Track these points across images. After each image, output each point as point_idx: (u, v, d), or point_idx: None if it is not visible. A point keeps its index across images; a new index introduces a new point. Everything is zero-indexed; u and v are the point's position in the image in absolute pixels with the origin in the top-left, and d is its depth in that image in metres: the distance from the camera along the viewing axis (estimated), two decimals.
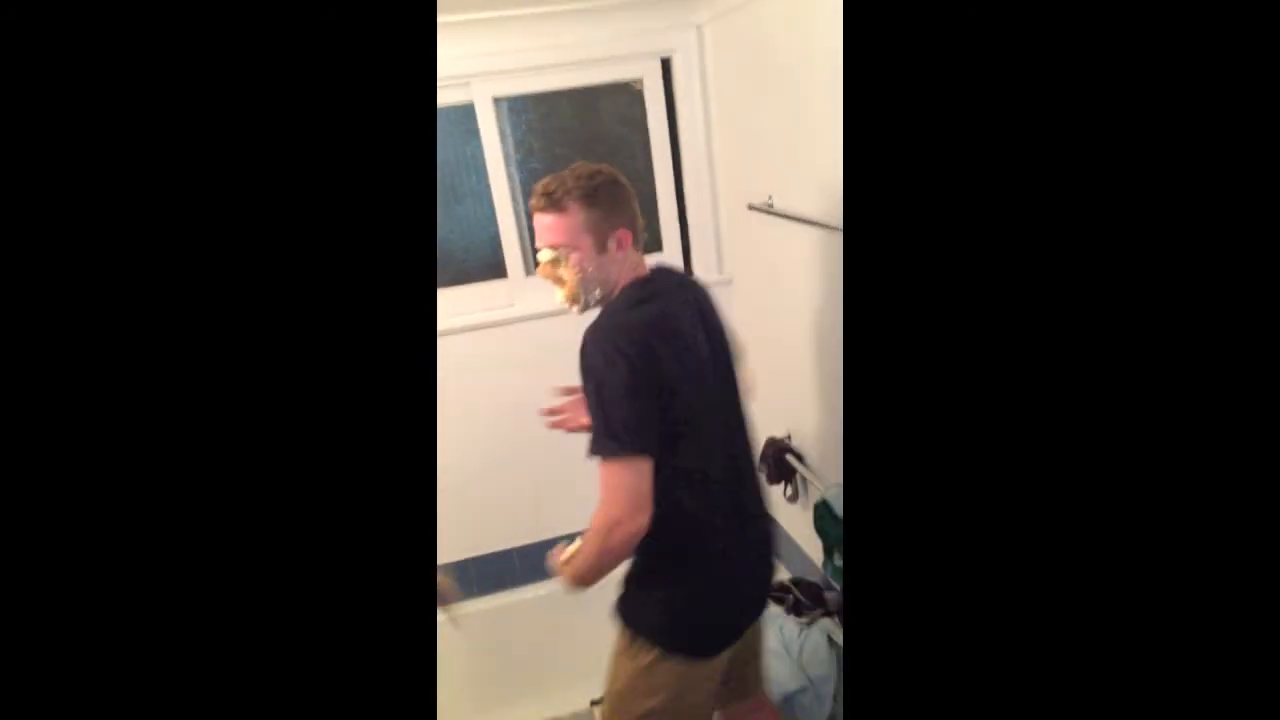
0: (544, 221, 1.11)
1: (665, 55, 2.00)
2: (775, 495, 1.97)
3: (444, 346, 2.02)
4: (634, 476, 1.04)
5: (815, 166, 1.48)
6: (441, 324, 2.01)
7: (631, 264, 1.16)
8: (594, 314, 1.15)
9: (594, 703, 1.78)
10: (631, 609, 1.20)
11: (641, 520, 1.05)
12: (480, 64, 1.88)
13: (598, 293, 1.15)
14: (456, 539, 2.17)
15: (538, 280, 2.10)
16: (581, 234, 1.10)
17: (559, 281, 1.14)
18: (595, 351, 1.05)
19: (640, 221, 1.17)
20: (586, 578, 1.12)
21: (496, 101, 1.95)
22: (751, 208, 1.76)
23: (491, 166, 1.98)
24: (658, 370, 1.05)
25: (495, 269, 2.09)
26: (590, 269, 1.12)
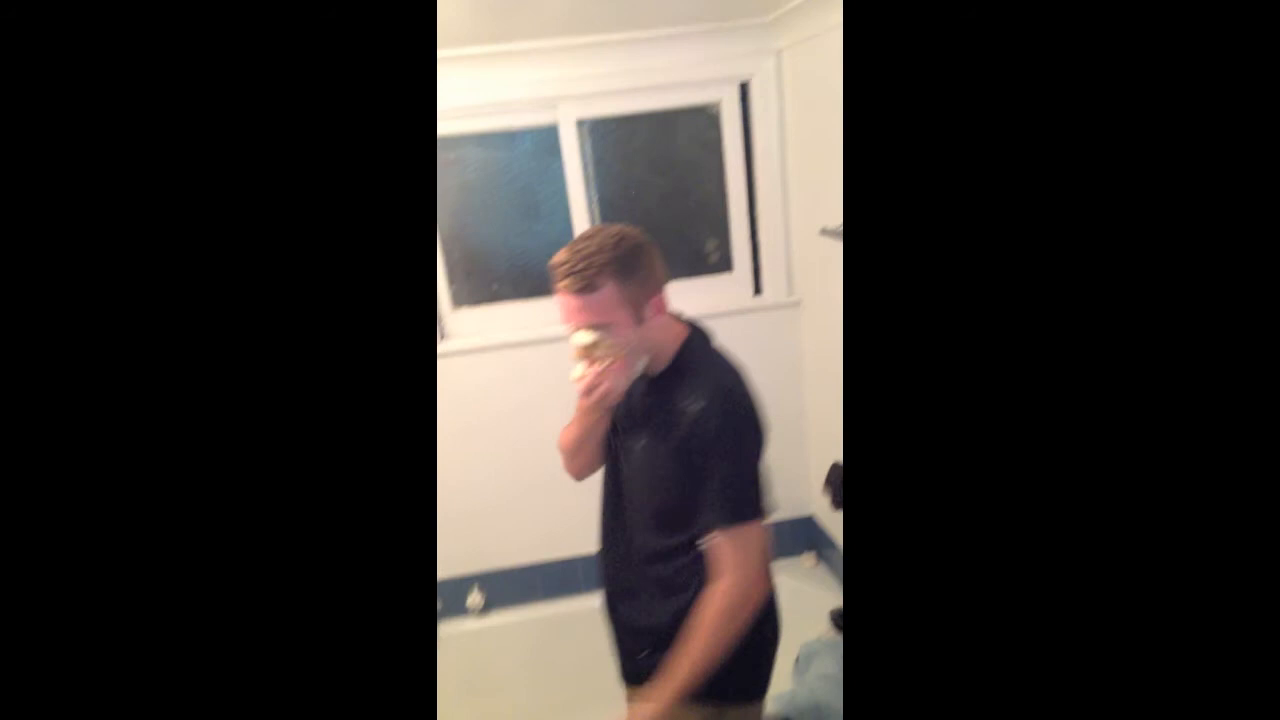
0: (575, 303, 1.00)
1: (744, 80, 2.04)
2: (840, 521, 1.96)
3: (520, 357, 2.10)
4: (762, 541, 1.02)
5: None
6: (518, 335, 2.09)
7: (670, 326, 1.10)
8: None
9: None
10: (724, 685, 1.11)
11: (768, 586, 1.03)
12: (565, 87, 1.96)
13: (640, 366, 1.07)
14: (522, 546, 2.23)
15: None
16: (619, 308, 1.00)
17: (593, 363, 1.03)
18: (733, 415, 1.01)
19: (666, 277, 1.10)
20: (704, 667, 1.02)
21: (579, 123, 2.02)
22: (824, 232, 1.77)
23: (571, 186, 2.05)
24: (764, 433, 1.07)
25: None
26: (632, 343, 1.04)
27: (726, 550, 1.02)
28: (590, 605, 2.24)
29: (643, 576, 1.15)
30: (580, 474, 1.25)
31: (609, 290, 0.99)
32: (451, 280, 2.10)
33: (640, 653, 1.16)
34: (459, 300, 2.13)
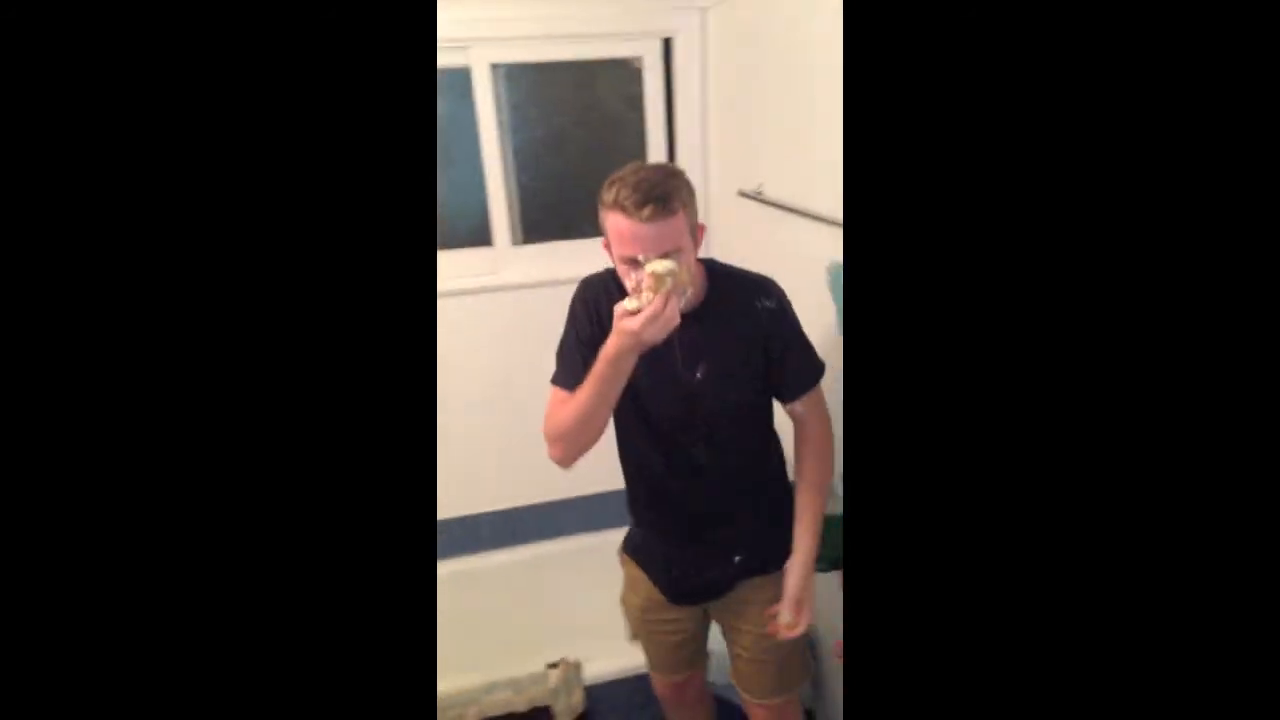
0: (652, 231, 0.98)
1: (668, 35, 1.99)
2: None
3: None
4: None
5: (809, 157, 1.49)
6: None
7: None
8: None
9: (550, 665, 1.81)
10: (778, 548, 1.24)
11: None
12: (480, 29, 1.86)
13: (689, 292, 1.06)
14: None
15: (524, 249, 2.11)
16: (686, 234, 1.03)
17: (660, 290, 0.98)
18: (786, 298, 1.19)
19: None
20: (820, 522, 1.22)
21: (494, 68, 1.93)
22: (742, 194, 1.77)
23: (484, 133, 1.97)
24: None
25: (482, 236, 2.08)
26: (693, 269, 1.07)
27: (816, 408, 1.20)
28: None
29: (724, 491, 1.22)
30: (588, 445, 1.13)
31: (682, 215, 1.01)
32: None
33: (734, 559, 1.25)
34: None
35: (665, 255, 0.98)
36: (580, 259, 2.12)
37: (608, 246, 1.05)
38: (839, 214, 1.33)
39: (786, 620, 1.19)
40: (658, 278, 0.97)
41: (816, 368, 1.20)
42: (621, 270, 1.04)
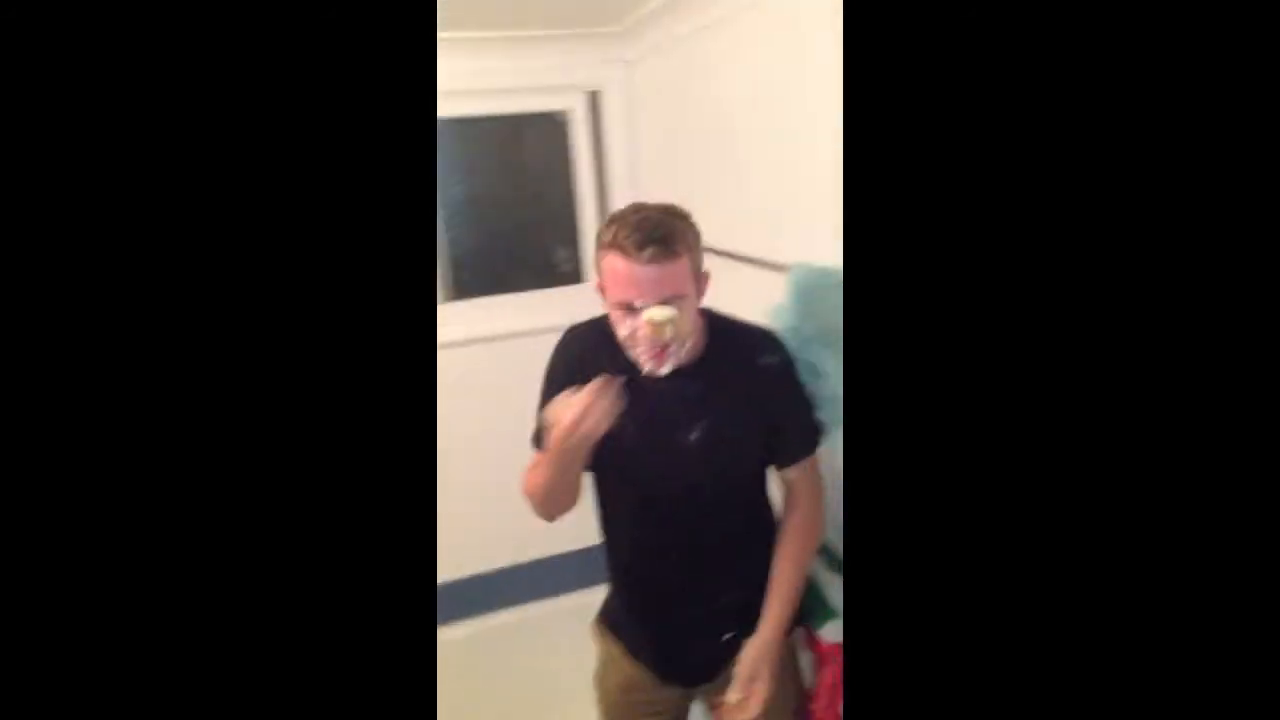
0: (655, 272, 0.91)
1: (593, 89, 2.02)
2: None
3: None
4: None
5: (739, 204, 1.51)
6: None
7: None
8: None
9: None
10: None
11: None
12: None
13: (689, 344, 0.99)
14: None
15: (459, 306, 2.06)
16: (690, 281, 0.95)
17: (657, 341, 0.93)
18: (789, 354, 1.08)
19: None
20: (799, 593, 1.11)
21: None
22: None
23: None
24: None
25: None
26: (695, 321, 0.99)
27: (810, 476, 1.10)
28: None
29: (715, 559, 1.12)
30: (565, 507, 1.07)
31: (685, 259, 0.93)
32: None
33: (723, 635, 1.14)
34: None
35: (665, 302, 0.91)
36: (513, 315, 2.10)
37: (602, 290, 0.97)
38: (771, 257, 1.34)
39: (733, 700, 1.06)
40: (656, 326, 0.91)
41: (815, 433, 1.09)
42: (616, 317, 0.96)
